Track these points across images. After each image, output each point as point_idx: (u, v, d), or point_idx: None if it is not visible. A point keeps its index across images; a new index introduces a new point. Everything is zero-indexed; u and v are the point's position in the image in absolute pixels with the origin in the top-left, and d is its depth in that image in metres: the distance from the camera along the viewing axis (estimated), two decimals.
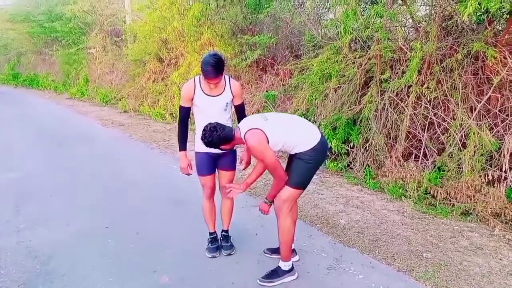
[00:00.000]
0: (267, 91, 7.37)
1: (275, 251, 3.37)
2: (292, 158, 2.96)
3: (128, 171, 5.80)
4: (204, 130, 2.81)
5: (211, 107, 3.10)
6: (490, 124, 4.37)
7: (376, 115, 5.23)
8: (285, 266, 3.06)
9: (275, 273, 3.06)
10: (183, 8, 9.15)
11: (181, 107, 3.17)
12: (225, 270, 3.21)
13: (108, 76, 13.66)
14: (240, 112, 3.30)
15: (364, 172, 5.25)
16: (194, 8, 8.42)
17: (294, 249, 3.35)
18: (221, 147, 2.85)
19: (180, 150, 3.26)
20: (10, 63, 21.28)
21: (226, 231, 3.51)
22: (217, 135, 2.77)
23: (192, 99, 3.10)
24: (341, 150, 5.56)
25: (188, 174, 3.32)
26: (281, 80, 7.27)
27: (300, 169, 2.86)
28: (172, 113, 9.81)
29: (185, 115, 3.18)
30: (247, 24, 8.05)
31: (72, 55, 15.10)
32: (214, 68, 2.89)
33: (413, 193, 4.54)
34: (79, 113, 11.24)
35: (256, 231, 3.84)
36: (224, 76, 3.09)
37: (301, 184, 2.90)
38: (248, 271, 3.19)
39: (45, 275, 3.14)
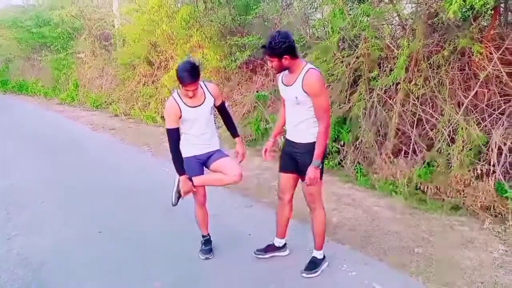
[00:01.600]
0: (257, 92, 7.38)
1: (267, 249, 3.39)
2: (293, 157, 2.97)
3: (120, 175, 5.77)
4: (277, 32, 2.69)
5: (199, 117, 3.12)
6: (478, 119, 4.42)
7: (365, 113, 5.26)
8: (320, 254, 3.19)
9: (315, 263, 3.16)
10: (171, 11, 9.12)
11: (170, 130, 3.07)
12: (219, 272, 3.22)
13: (98, 80, 13.57)
14: (223, 111, 3.35)
15: (355, 169, 5.28)
16: (182, 11, 8.41)
17: (285, 243, 3.42)
18: (284, 57, 2.68)
19: (180, 174, 3.11)
20: None
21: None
22: (292, 39, 2.68)
23: (180, 117, 3.06)
24: (332, 148, 5.58)
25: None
26: (271, 81, 7.29)
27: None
28: (163, 116, 9.73)
29: (176, 137, 3.10)
30: (235, 25, 8.06)
31: (61, 60, 14.97)
32: (190, 73, 2.90)
33: (404, 189, 4.57)
34: (69, 118, 11.14)
35: (249, 232, 3.85)
36: (200, 84, 3.09)
37: (321, 174, 2.92)
38: (242, 272, 3.20)
39: (38, 283, 3.12)
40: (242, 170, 3.22)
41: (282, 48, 2.65)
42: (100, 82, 13.42)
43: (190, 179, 3.14)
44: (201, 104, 3.11)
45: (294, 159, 2.98)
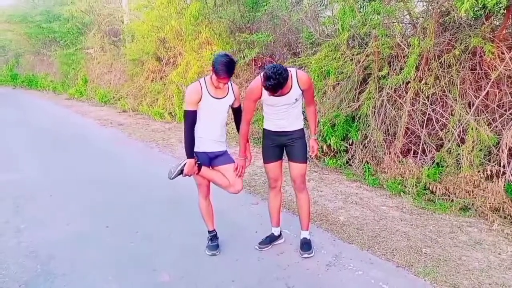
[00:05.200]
0: None
1: (270, 241, 3.52)
2: (284, 145, 3.26)
3: (127, 171, 5.80)
4: (273, 71, 2.77)
5: (217, 109, 3.16)
6: (488, 119, 4.38)
7: (374, 111, 5.23)
8: (309, 234, 3.47)
9: (309, 243, 3.41)
10: (180, 7, 9.15)
11: (188, 112, 3.10)
12: (225, 268, 3.22)
13: (107, 76, 13.66)
14: (238, 114, 3.36)
15: (363, 168, 5.26)
16: (191, 7, 8.43)
17: (281, 231, 3.60)
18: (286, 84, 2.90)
19: (189, 157, 3.15)
20: (9, 64, 21.26)
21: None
22: (287, 72, 2.87)
23: (199, 103, 3.10)
24: (340, 147, 5.56)
25: (187, 176, 3.27)
26: None
27: (305, 146, 3.27)
28: (171, 112, 9.82)
29: (193, 119, 3.12)
30: (244, 22, 8.05)
31: (70, 56, 15.09)
32: (227, 67, 2.95)
33: (412, 189, 4.55)
34: (78, 113, 11.23)
35: (256, 229, 3.85)
36: None
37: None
38: (247, 269, 3.20)
39: (46, 275, 3.14)
40: (242, 185, 3.35)
41: (287, 79, 2.89)
42: (109, 78, 13.51)
43: (200, 166, 3.19)
44: (222, 98, 3.15)
45: (282, 147, 3.29)
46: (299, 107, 3.21)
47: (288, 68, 3.03)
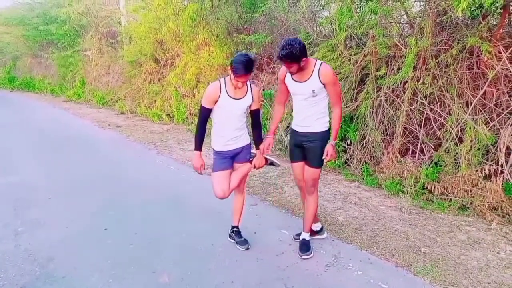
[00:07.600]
0: (263, 90, 7.37)
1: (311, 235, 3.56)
2: (303, 147, 3.24)
3: (126, 173, 5.79)
4: (287, 42, 2.87)
5: (233, 109, 3.19)
6: (486, 118, 4.39)
7: (372, 111, 5.24)
8: (309, 236, 3.46)
9: (308, 245, 3.40)
10: (178, 8, 9.13)
11: (203, 108, 3.20)
12: (224, 269, 3.22)
13: (105, 78, 13.63)
14: (256, 117, 3.38)
15: (361, 169, 5.26)
16: (189, 8, 8.41)
17: (322, 226, 3.69)
18: (302, 60, 2.91)
19: (196, 149, 3.30)
20: (6, 66, 21.16)
21: (237, 227, 3.62)
22: (303, 45, 2.90)
23: (216, 101, 3.16)
24: (338, 147, 5.57)
25: (200, 173, 3.41)
26: (277, 79, 7.27)
27: (320, 150, 3.18)
28: (169, 114, 9.80)
29: (206, 116, 3.23)
30: (242, 23, 8.06)
31: (68, 58, 15.04)
32: (244, 65, 2.97)
33: (411, 188, 4.55)
34: (76, 116, 11.21)
35: (255, 230, 3.85)
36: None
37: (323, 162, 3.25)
38: (247, 269, 3.20)
39: (45, 278, 3.14)
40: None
41: (302, 54, 2.91)
42: (107, 80, 13.48)
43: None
44: (240, 99, 3.18)
45: (302, 149, 3.27)
46: (319, 106, 3.13)
47: (314, 58, 3.10)
